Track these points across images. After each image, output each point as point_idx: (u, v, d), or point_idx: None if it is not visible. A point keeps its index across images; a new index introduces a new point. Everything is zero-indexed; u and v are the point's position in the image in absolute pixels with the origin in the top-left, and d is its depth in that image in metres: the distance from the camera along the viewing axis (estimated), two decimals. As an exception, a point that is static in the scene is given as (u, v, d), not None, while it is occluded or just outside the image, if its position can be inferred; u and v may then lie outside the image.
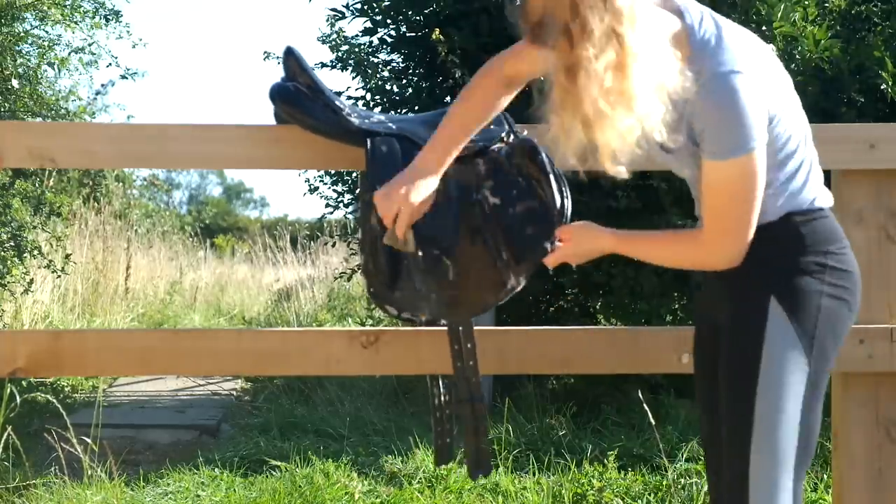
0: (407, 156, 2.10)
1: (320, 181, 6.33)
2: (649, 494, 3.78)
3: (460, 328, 2.15)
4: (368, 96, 5.76)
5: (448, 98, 5.47)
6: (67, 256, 6.56)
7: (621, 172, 1.79)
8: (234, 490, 3.96)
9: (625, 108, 1.71)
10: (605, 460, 4.02)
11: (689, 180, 2.00)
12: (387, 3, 5.81)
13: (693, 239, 1.95)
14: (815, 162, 1.95)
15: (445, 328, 2.20)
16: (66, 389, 5.94)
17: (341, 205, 6.43)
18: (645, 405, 3.85)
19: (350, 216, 8.06)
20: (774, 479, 1.82)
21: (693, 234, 1.96)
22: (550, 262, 2.10)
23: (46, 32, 6.25)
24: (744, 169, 1.82)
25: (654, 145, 1.86)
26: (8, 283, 6.08)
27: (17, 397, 4.37)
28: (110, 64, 6.45)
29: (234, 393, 6.34)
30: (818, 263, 1.87)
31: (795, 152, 1.89)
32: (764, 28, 4.74)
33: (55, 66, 6.23)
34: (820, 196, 1.93)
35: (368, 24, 5.91)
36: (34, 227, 6.28)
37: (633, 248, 2.04)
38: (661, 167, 2.03)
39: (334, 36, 6.00)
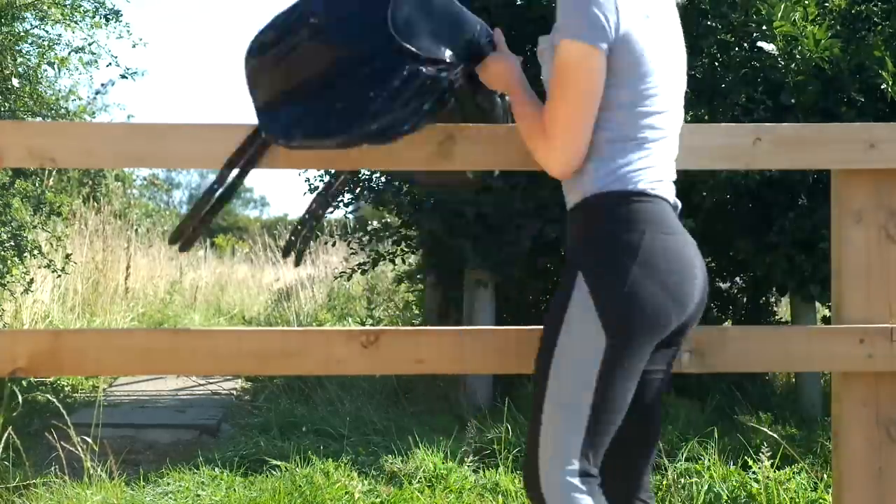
0: None
1: (320, 181, 6.33)
2: (649, 494, 3.78)
3: None
4: (368, 95, 5.75)
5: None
6: (67, 256, 6.56)
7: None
8: (235, 490, 3.96)
9: None
10: (606, 460, 4.01)
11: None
12: (387, 3, 5.80)
13: (542, 133, 1.99)
14: (664, 153, 2.00)
15: (445, 328, 2.19)
16: (67, 389, 5.94)
17: (341, 204, 6.43)
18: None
19: (350, 216, 8.07)
20: (562, 439, 1.88)
21: (540, 134, 1.99)
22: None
23: (46, 32, 6.25)
24: (579, 58, 1.89)
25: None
26: (8, 282, 6.08)
27: (19, 397, 4.38)
28: (110, 63, 6.44)
29: (235, 393, 6.34)
30: (630, 244, 1.89)
31: (648, 129, 1.95)
32: (764, 28, 4.74)
33: (55, 66, 6.22)
34: (653, 184, 1.96)
35: (368, 24, 5.90)
36: (34, 227, 6.28)
37: (517, 110, 2.07)
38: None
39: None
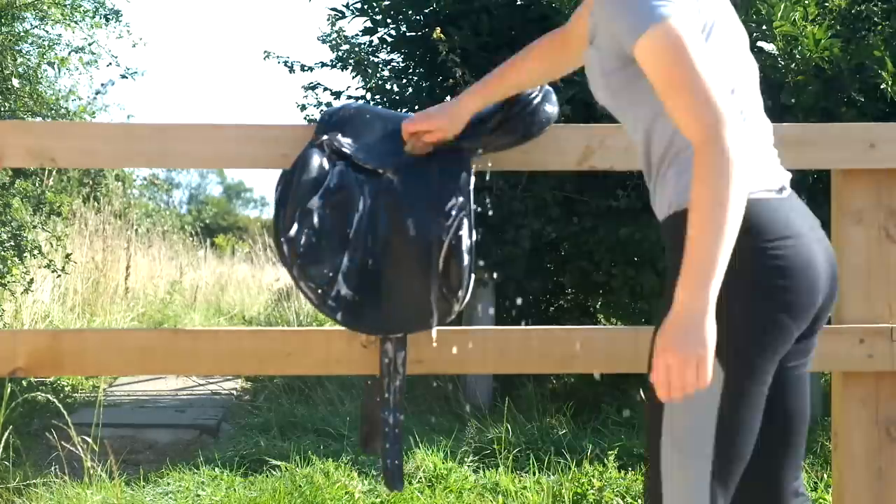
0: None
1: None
2: (649, 494, 3.78)
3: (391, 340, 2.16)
4: (368, 96, 5.76)
5: (448, 98, 5.47)
6: (67, 256, 6.56)
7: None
8: (235, 489, 3.96)
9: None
10: (605, 460, 4.02)
11: (634, 138, 1.88)
12: (387, 3, 5.81)
13: (697, 153, 1.61)
14: (759, 143, 1.80)
15: (445, 328, 2.20)
16: (67, 389, 5.94)
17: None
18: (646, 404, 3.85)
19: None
20: (686, 475, 1.72)
21: (695, 150, 1.62)
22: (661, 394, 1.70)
23: (46, 32, 6.25)
24: (668, 36, 1.61)
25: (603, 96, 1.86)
26: (8, 282, 6.08)
27: (19, 397, 4.37)
28: (110, 63, 6.45)
29: (235, 392, 6.34)
30: (739, 260, 1.62)
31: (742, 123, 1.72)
32: (764, 27, 4.73)
33: (55, 66, 6.23)
34: (757, 179, 1.72)
35: (368, 24, 5.91)
36: (34, 227, 6.28)
37: (719, 264, 1.60)
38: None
39: (334, 35, 6.00)
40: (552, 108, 2.21)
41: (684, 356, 1.59)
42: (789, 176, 1.84)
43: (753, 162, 1.72)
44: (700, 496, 1.71)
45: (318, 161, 2.12)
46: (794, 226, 1.72)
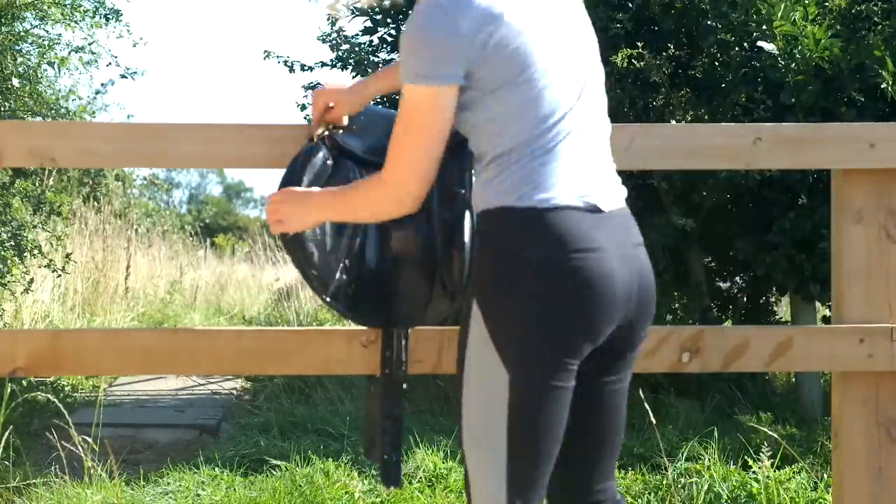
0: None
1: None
2: (649, 494, 3.78)
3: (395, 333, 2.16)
4: (368, 95, 5.76)
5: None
6: (67, 256, 6.56)
7: None
8: (235, 489, 3.96)
9: None
10: (605, 460, 4.01)
11: None
12: (387, 3, 5.80)
13: (374, 180, 1.87)
14: (581, 157, 1.80)
15: (445, 328, 2.20)
16: (67, 389, 5.94)
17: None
18: (645, 404, 3.85)
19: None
20: (485, 473, 1.78)
21: (375, 175, 1.87)
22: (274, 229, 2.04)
23: (46, 32, 6.24)
24: (419, 101, 1.76)
25: None
26: (8, 282, 6.08)
27: (19, 396, 4.37)
28: (110, 63, 6.44)
29: (235, 392, 6.34)
30: (529, 266, 1.73)
31: (552, 129, 1.77)
32: (764, 27, 4.73)
33: (55, 66, 6.22)
34: (554, 189, 1.76)
35: (368, 24, 5.91)
36: (34, 227, 6.27)
37: (335, 212, 1.97)
38: None
39: (334, 35, 6.00)
40: None
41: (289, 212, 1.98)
42: (622, 192, 1.86)
43: (567, 174, 1.77)
44: (498, 496, 1.77)
45: (320, 155, 2.12)
46: (594, 239, 1.75)
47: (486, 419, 1.77)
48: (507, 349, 1.74)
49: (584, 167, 1.81)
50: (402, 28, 1.83)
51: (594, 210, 1.78)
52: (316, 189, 2.01)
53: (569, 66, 1.82)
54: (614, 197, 1.84)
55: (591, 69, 1.87)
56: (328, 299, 2.12)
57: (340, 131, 2.16)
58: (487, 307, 1.77)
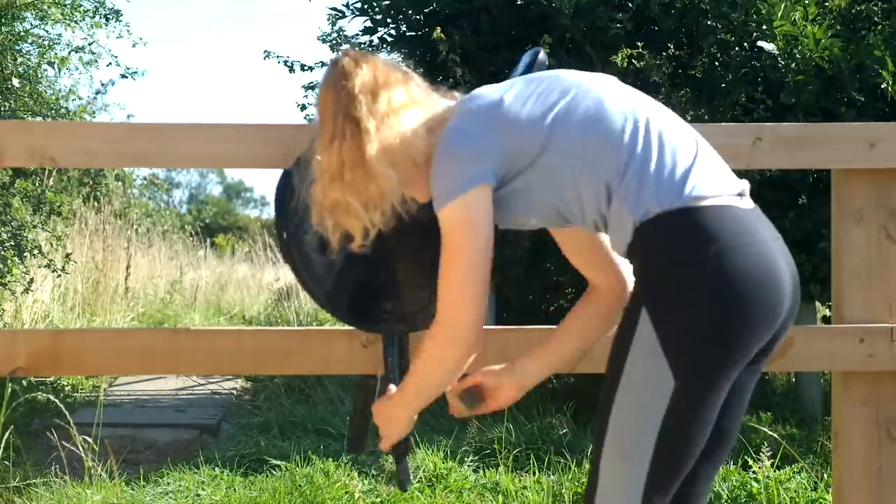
0: None
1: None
2: (649, 494, 3.78)
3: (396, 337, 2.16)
4: (368, 95, 5.76)
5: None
6: (67, 256, 6.56)
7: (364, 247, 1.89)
8: (235, 489, 3.96)
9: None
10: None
11: None
12: (387, 3, 5.81)
13: (431, 335, 1.82)
14: (700, 158, 1.78)
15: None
16: (67, 389, 5.94)
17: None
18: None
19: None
20: (622, 483, 1.73)
21: (429, 332, 1.84)
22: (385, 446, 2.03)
23: (46, 32, 6.25)
24: (454, 221, 1.76)
25: None
26: (8, 282, 6.08)
27: (20, 396, 4.37)
28: (110, 63, 6.44)
29: (235, 392, 6.34)
30: (692, 267, 1.66)
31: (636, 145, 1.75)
32: (764, 27, 4.74)
33: (55, 66, 6.22)
34: (701, 186, 1.72)
35: (369, 24, 5.91)
36: (34, 227, 6.27)
37: (416, 397, 1.93)
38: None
39: (335, 35, 6.00)
40: None
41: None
42: (746, 184, 1.82)
43: (705, 172, 1.74)
44: (632, 498, 1.72)
45: None
46: (759, 231, 1.72)
47: (638, 429, 1.71)
48: (680, 356, 1.67)
49: (713, 166, 1.78)
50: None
51: (747, 205, 1.75)
52: (393, 390, 2.01)
53: (635, 110, 1.81)
54: (745, 189, 1.81)
55: (646, 105, 1.85)
56: (328, 307, 2.12)
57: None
58: (660, 315, 1.69)
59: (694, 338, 1.67)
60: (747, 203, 1.77)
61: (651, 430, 1.70)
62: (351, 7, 5.89)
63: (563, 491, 3.77)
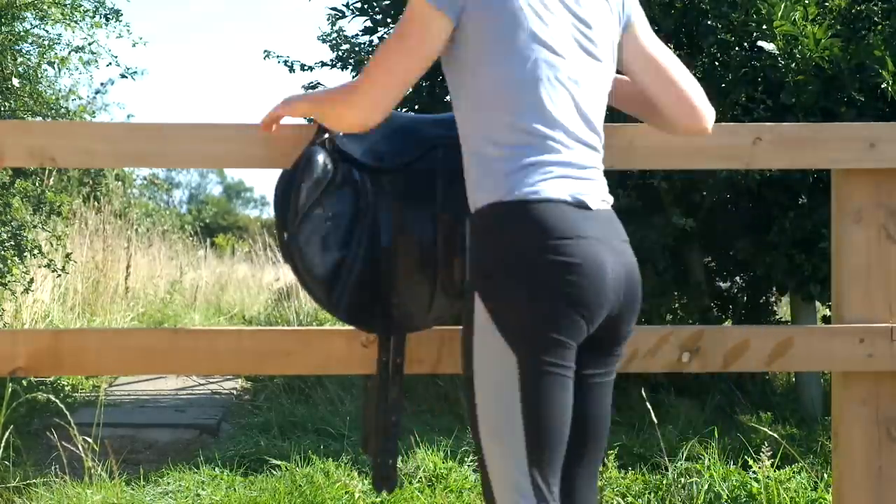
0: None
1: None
2: (650, 493, 3.78)
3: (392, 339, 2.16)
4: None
5: (448, 98, 5.47)
6: (67, 256, 6.56)
7: None
8: (235, 489, 3.96)
9: None
10: (605, 459, 4.02)
11: None
12: (387, 3, 5.81)
13: (347, 90, 1.97)
14: (563, 158, 1.86)
15: (445, 328, 2.20)
16: (67, 389, 5.94)
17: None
18: (646, 403, 3.86)
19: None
20: (506, 463, 1.81)
21: (349, 86, 1.98)
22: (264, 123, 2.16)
23: (46, 32, 6.24)
24: (416, 12, 1.86)
25: None
26: (8, 282, 6.08)
27: (21, 395, 4.37)
28: (110, 63, 6.43)
29: (235, 392, 6.34)
30: (527, 255, 1.79)
31: (531, 127, 1.84)
32: (764, 27, 4.74)
33: (55, 66, 6.22)
34: (537, 186, 1.82)
35: (369, 24, 5.91)
36: (34, 227, 6.27)
37: (308, 107, 2.10)
38: None
39: (335, 35, 6.00)
40: None
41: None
42: (601, 197, 1.89)
43: (548, 173, 1.83)
44: (522, 480, 1.80)
45: (321, 160, 2.12)
46: (584, 230, 1.81)
47: (501, 406, 1.81)
48: (511, 329, 1.79)
49: (571, 169, 1.87)
50: None
51: (582, 206, 1.84)
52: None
53: (572, 39, 1.94)
54: (602, 199, 1.90)
55: (590, 36, 1.98)
56: (329, 307, 2.12)
57: (340, 134, 2.15)
58: (487, 293, 1.82)
59: (521, 314, 1.79)
60: (585, 207, 1.85)
61: (514, 407, 1.80)
62: (351, 7, 5.89)
63: (563, 491, 3.77)
